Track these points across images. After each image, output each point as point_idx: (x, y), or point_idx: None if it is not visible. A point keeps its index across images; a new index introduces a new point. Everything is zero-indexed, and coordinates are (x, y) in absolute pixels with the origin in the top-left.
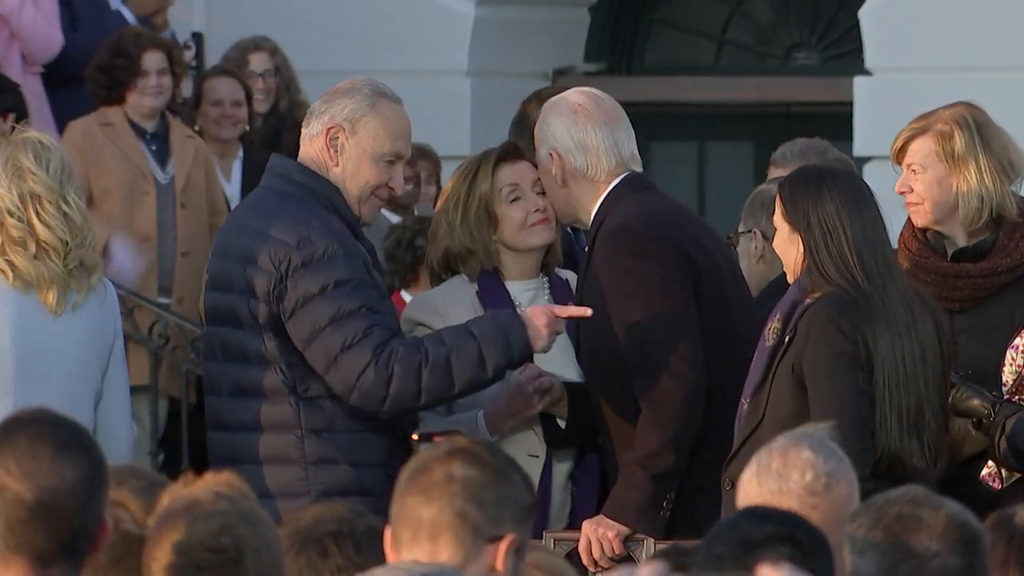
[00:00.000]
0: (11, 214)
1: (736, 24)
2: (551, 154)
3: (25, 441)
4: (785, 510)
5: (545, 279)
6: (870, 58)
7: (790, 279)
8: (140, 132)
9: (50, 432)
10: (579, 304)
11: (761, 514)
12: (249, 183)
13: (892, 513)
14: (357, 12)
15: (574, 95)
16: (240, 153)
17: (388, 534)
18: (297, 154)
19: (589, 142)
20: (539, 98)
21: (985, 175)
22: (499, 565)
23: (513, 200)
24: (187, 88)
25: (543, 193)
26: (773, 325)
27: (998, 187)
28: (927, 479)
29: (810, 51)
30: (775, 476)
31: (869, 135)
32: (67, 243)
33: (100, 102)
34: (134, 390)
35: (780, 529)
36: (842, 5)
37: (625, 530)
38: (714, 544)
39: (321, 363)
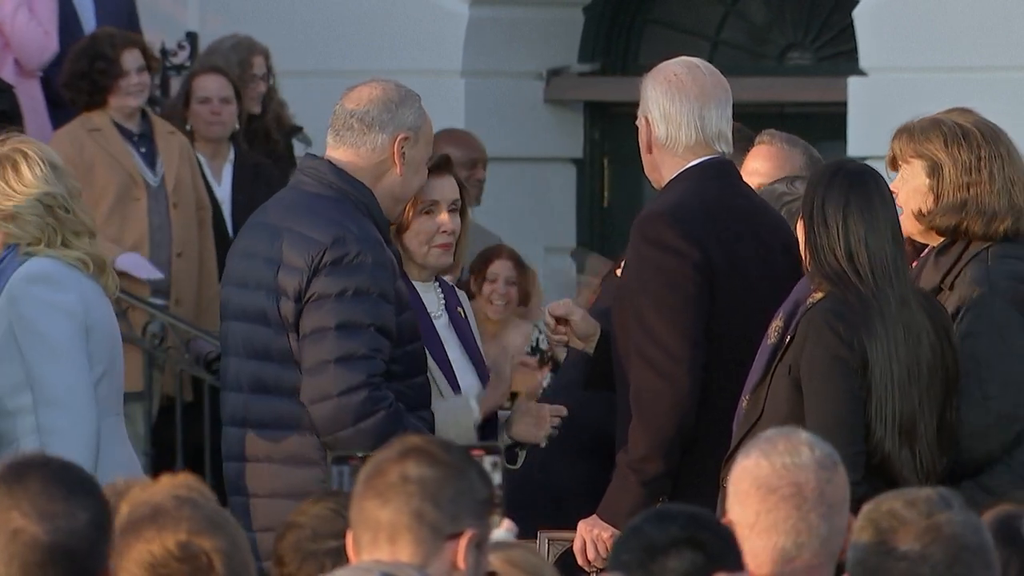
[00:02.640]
0: (63, 209)
1: (730, 24)
2: (643, 118)
3: (38, 483)
4: (691, 511)
5: (436, 284)
6: (864, 58)
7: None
8: (127, 135)
9: (61, 474)
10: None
11: (665, 516)
12: (240, 185)
13: (885, 508)
14: (351, 12)
15: (675, 64)
16: (231, 155)
17: (349, 538)
18: (287, 153)
19: (672, 113)
20: None
21: None
22: (460, 562)
23: (426, 213)
24: (177, 86)
25: (456, 210)
26: (776, 324)
27: None
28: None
29: (804, 51)
30: (787, 453)
31: (863, 135)
32: (96, 232)
33: (82, 108)
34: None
35: (682, 533)
36: (836, 5)
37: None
38: (620, 550)
39: (309, 360)
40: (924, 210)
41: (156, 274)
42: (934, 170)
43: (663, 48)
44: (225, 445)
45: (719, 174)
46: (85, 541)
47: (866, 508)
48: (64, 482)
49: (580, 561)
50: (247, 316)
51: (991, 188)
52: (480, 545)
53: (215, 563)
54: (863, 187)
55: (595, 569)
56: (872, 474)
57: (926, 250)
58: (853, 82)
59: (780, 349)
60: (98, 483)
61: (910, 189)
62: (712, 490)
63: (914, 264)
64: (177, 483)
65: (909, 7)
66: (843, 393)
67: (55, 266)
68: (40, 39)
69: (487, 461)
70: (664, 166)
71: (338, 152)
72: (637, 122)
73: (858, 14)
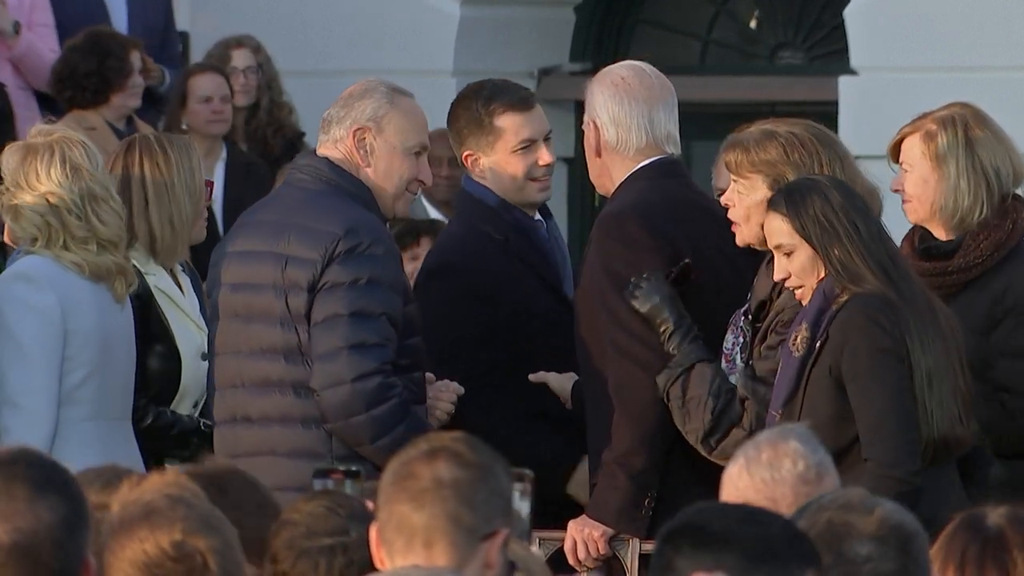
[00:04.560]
0: (70, 212)
1: (721, 24)
2: (590, 123)
3: (0, 482)
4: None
5: None
6: (855, 57)
7: (804, 295)
8: (119, 135)
9: (26, 472)
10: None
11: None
12: (232, 184)
13: (823, 520)
14: (342, 12)
15: (621, 68)
16: (223, 154)
17: (374, 534)
18: (284, 157)
19: (622, 116)
20: (468, 93)
21: (961, 176)
22: (493, 561)
23: None
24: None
25: None
26: (801, 335)
27: (972, 189)
28: (966, 443)
29: (795, 51)
30: (766, 466)
31: (854, 134)
32: (121, 236)
33: (76, 106)
34: None
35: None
36: (827, 5)
37: (610, 530)
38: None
39: (321, 347)
40: None
41: None
42: (777, 182)
43: (654, 47)
44: (219, 443)
45: (672, 173)
46: (49, 541)
47: (801, 527)
48: (29, 480)
49: (571, 561)
50: (249, 315)
51: None
52: (506, 543)
53: (209, 563)
54: (852, 191)
55: (586, 568)
56: (928, 465)
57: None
58: (844, 81)
59: (810, 357)
60: (71, 480)
61: (751, 203)
62: (705, 488)
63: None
64: (168, 481)
65: (900, 6)
66: (893, 385)
67: (42, 265)
68: (49, 59)
69: (516, 488)
70: (614, 169)
71: (321, 150)
72: (583, 127)
73: (849, 13)
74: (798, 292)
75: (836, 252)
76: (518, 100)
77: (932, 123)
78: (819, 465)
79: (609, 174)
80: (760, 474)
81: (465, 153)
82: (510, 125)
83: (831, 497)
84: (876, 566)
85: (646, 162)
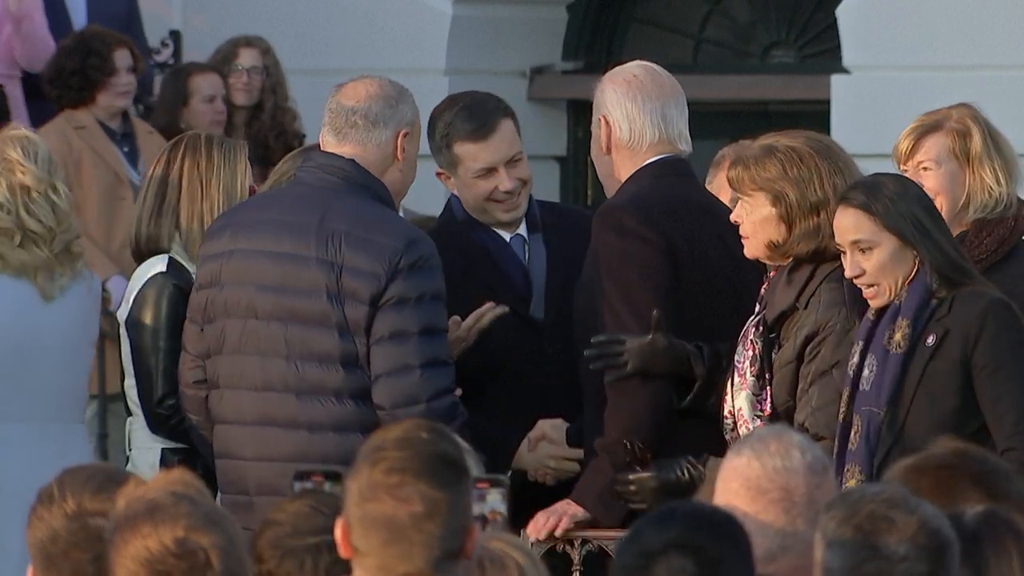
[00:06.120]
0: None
1: (714, 22)
2: (602, 120)
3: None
4: (697, 511)
5: None
6: (848, 56)
7: (878, 294)
8: (111, 134)
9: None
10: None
11: (666, 517)
12: None
13: (865, 511)
14: (335, 10)
15: (632, 66)
16: None
17: (341, 532)
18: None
19: (635, 113)
20: (436, 114)
21: (1000, 171)
22: (471, 553)
23: None
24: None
25: None
26: (901, 331)
27: (1007, 183)
28: None
29: (788, 49)
30: (777, 455)
31: (847, 133)
32: (52, 229)
33: (66, 105)
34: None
35: (680, 536)
36: (820, 3)
37: (579, 515)
38: (621, 554)
39: (389, 363)
40: (778, 240)
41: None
42: (778, 199)
43: (647, 46)
44: (238, 444)
45: (675, 171)
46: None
47: (839, 514)
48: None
49: (529, 529)
50: (293, 319)
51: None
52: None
53: (212, 560)
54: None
55: (536, 540)
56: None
57: (775, 269)
58: (836, 80)
59: (912, 353)
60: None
61: (757, 220)
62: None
63: (765, 286)
64: (173, 479)
65: (892, 5)
66: None
67: None
68: (49, 38)
69: (493, 494)
70: (622, 166)
71: (343, 150)
72: (593, 126)
73: (841, 12)
74: (869, 291)
75: (933, 247)
76: (472, 130)
77: (956, 122)
78: (822, 459)
79: (616, 172)
80: (772, 463)
81: (437, 171)
82: (466, 154)
83: (875, 490)
84: (911, 566)
85: (655, 159)
